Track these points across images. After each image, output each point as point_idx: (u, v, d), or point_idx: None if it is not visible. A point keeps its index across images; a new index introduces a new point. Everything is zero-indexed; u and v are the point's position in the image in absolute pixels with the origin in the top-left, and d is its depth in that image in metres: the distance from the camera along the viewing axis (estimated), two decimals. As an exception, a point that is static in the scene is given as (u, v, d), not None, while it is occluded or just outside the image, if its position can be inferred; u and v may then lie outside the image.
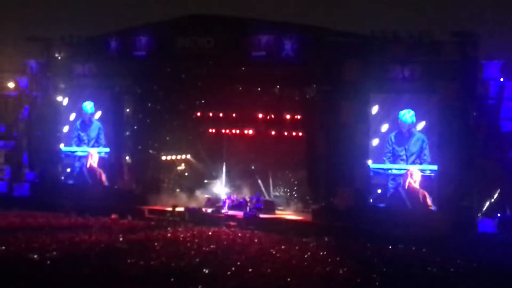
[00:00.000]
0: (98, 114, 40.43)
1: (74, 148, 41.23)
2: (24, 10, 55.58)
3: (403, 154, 34.33)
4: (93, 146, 40.70)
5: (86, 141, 40.87)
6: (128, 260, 25.52)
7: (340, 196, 34.88)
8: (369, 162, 34.70)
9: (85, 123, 40.80)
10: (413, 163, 34.07)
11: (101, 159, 40.42)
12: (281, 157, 39.67)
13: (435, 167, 33.48)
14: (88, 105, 40.61)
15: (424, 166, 33.81)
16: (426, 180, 33.68)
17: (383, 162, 34.70)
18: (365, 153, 34.51)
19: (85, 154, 40.83)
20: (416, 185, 33.87)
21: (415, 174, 33.97)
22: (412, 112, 33.87)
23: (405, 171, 34.15)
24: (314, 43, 35.33)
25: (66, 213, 36.69)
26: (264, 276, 23.99)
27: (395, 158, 34.49)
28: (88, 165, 40.71)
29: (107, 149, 40.27)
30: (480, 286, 24.16)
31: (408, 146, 34.09)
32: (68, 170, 41.32)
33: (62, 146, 41.27)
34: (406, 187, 34.06)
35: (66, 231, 31.33)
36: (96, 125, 40.59)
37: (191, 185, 40.70)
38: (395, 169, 34.48)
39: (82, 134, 40.98)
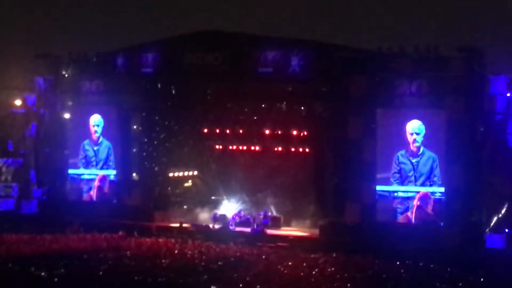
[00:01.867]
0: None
1: (81, 171, 41.02)
2: (32, 27, 55.83)
3: (412, 174, 33.81)
4: (101, 168, 40.43)
5: (94, 163, 40.62)
6: (135, 277, 25.48)
7: (347, 212, 34.78)
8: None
9: (94, 143, 40.58)
10: (423, 184, 33.50)
11: (110, 182, 40.20)
12: (288, 173, 39.60)
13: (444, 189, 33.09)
14: (96, 118, 40.42)
15: (434, 188, 33.33)
16: (436, 204, 33.20)
17: (389, 183, 34.18)
18: (373, 169, 34.39)
19: (93, 177, 40.61)
20: (429, 210, 33.38)
21: (426, 198, 33.38)
22: (419, 122, 33.46)
23: (414, 193, 33.69)
24: (320, 59, 35.37)
25: (74, 230, 36.65)
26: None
27: (403, 180, 34.00)
28: (96, 189, 40.46)
29: (115, 172, 40.13)
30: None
31: (417, 166, 33.59)
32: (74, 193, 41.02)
33: (70, 171, 41.08)
34: (415, 211, 33.55)
35: (73, 248, 31.36)
36: (105, 146, 40.36)
37: (198, 202, 40.64)
38: (402, 191, 33.97)
39: (90, 155, 40.81)
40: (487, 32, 45.48)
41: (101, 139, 40.44)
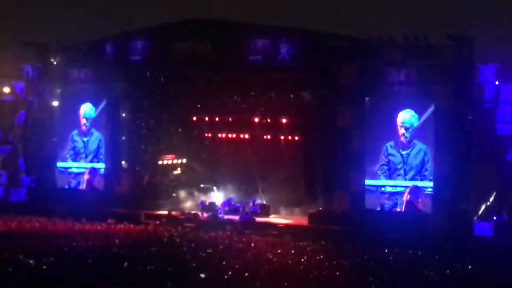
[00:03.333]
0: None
1: (69, 163, 40.78)
2: (20, 15, 55.53)
3: (401, 167, 33.29)
4: (91, 161, 40.19)
5: (83, 156, 40.33)
6: (124, 264, 25.50)
7: (336, 200, 34.85)
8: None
9: (83, 133, 40.29)
10: (413, 179, 33.04)
11: (101, 176, 39.93)
12: (278, 161, 39.60)
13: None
14: (87, 107, 40.17)
15: (425, 183, 32.88)
16: (427, 199, 32.78)
17: (377, 177, 33.84)
18: (362, 157, 34.43)
19: (82, 170, 40.39)
20: (419, 205, 33.00)
21: (416, 191, 32.87)
22: (412, 113, 33.04)
23: (403, 188, 33.35)
24: (310, 47, 35.36)
25: (63, 218, 36.64)
26: (261, 281, 23.99)
27: (391, 173, 33.59)
28: (85, 182, 40.25)
29: (104, 165, 39.86)
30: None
31: (407, 159, 33.13)
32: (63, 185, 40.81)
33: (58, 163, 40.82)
34: (405, 207, 33.19)
35: (62, 236, 31.36)
36: (96, 137, 40.08)
37: (187, 190, 40.63)
38: (390, 186, 33.60)
39: (79, 146, 40.58)
40: (476, 21, 45.49)
41: (91, 130, 40.22)
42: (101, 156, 39.96)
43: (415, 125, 33.14)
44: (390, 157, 33.50)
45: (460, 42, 32.44)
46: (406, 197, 33.17)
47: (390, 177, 33.56)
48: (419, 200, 33.02)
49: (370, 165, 34.04)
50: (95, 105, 40.01)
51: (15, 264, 24.83)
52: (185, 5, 53.22)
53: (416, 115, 33.16)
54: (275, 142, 39.68)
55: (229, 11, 50.67)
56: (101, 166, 40.00)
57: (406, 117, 33.29)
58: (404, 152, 33.28)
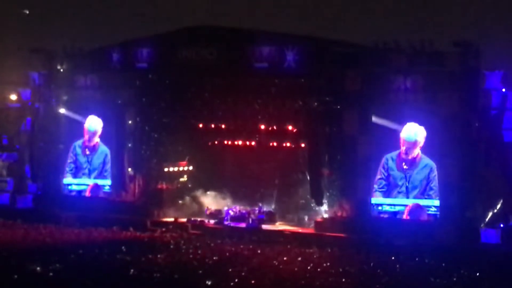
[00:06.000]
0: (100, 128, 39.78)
1: (69, 180, 40.45)
2: (26, 22, 55.69)
3: (403, 184, 32.48)
4: (96, 178, 39.84)
5: (86, 171, 40.06)
6: (130, 272, 25.50)
7: (342, 207, 34.83)
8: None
9: (88, 148, 39.98)
10: (416, 197, 32.29)
11: (105, 193, 39.56)
12: (283, 168, 39.58)
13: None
14: (92, 121, 40.04)
15: (428, 202, 32.23)
16: (430, 219, 32.20)
17: (372, 193, 33.02)
18: (368, 164, 34.38)
19: (83, 188, 40.09)
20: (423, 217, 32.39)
21: (417, 211, 31.97)
22: (416, 127, 32.33)
23: (403, 208, 32.69)
24: (316, 54, 35.36)
25: (69, 225, 36.66)
26: (267, 288, 24.00)
27: (390, 189, 32.82)
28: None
29: (110, 182, 39.54)
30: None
31: (411, 175, 32.39)
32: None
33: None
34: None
35: (68, 243, 31.38)
36: (101, 151, 39.81)
37: (193, 197, 40.62)
38: (388, 204, 32.80)
39: (81, 161, 40.19)
40: (482, 27, 45.50)
41: (98, 144, 39.83)
42: (106, 174, 39.54)
43: (419, 141, 32.32)
44: (391, 172, 32.49)
45: (466, 48, 32.38)
46: (405, 216, 32.22)
47: (388, 194, 32.73)
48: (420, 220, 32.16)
49: (375, 174, 33.58)
50: (101, 113, 39.92)
51: (21, 271, 24.85)
52: (191, 12, 53.37)
53: (422, 128, 32.40)
54: (281, 149, 39.65)
55: (235, 18, 50.77)
56: (105, 183, 39.68)
57: (410, 132, 32.52)
58: (406, 167, 32.26)
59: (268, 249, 31.50)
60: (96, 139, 40.04)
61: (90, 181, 40.00)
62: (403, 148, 32.66)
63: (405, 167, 32.30)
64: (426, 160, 32.11)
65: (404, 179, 32.43)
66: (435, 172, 31.72)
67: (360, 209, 34.34)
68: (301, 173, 38.15)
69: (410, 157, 32.36)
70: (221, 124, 40.51)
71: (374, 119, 33.55)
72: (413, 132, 32.88)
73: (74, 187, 40.34)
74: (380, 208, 33.34)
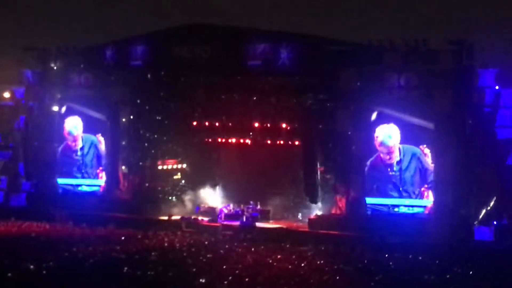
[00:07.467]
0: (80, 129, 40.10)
1: (69, 180, 40.65)
2: (20, 20, 55.58)
3: (395, 184, 33.17)
4: (90, 176, 40.18)
5: (79, 168, 40.43)
6: (124, 269, 25.48)
7: (336, 205, 34.87)
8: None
9: (75, 152, 40.33)
10: (410, 197, 33.08)
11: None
12: (278, 166, 39.59)
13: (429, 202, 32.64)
14: (72, 123, 40.54)
15: (422, 202, 32.99)
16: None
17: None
18: (362, 162, 34.41)
19: (95, 189, 40.30)
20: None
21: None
22: (389, 128, 33.28)
23: (397, 208, 33.36)
24: (310, 52, 35.36)
25: (63, 223, 36.62)
26: (261, 285, 23.97)
27: (384, 190, 33.43)
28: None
29: (101, 182, 39.91)
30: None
31: (400, 176, 33.02)
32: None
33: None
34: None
35: (62, 241, 31.34)
36: (89, 143, 40.20)
37: (187, 194, 40.62)
38: (383, 205, 33.51)
39: (73, 161, 40.45)
40: (476, 25, 45.53)
41: (81, 142, 40.23)
42: (99, 172, 40.00)
43: (396, 143, 33.00)
44: (380, 175, 33.67)
45: (460, 46, 32.45)
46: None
47: (384, 194, 33.50)
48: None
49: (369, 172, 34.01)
50: (95, 110, 39.96)
51: (15, 269, 24.82)
52: (184, 10, 53.31)
53: (395, 127, 33.06)
54: (275, 147, 39.64)
55: (229, 16, 50.74)
56: (99, 183, 39.99)
57: (385, 137, 33.36)
58: (393, 173, 33.21)
59: (262, 246, 31.50)
60: (79, 141, 40.20)
61: (84, 182, 40.19)
62: (384, 151, 33.30)
63: (391, 173, 33.28)
64: (409, 151, 32.88)
65: (396, 181, 33.29)
66: (423, 157, 32.42)
67: (354, 207, 34.38)
68: (295, 170, 38.16)
69: (393, 161, 33.09)
70: (216, 122, 40.47)
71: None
72: (387, 135, 33.44)
73: (70, 187, 40.49)
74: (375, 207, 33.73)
